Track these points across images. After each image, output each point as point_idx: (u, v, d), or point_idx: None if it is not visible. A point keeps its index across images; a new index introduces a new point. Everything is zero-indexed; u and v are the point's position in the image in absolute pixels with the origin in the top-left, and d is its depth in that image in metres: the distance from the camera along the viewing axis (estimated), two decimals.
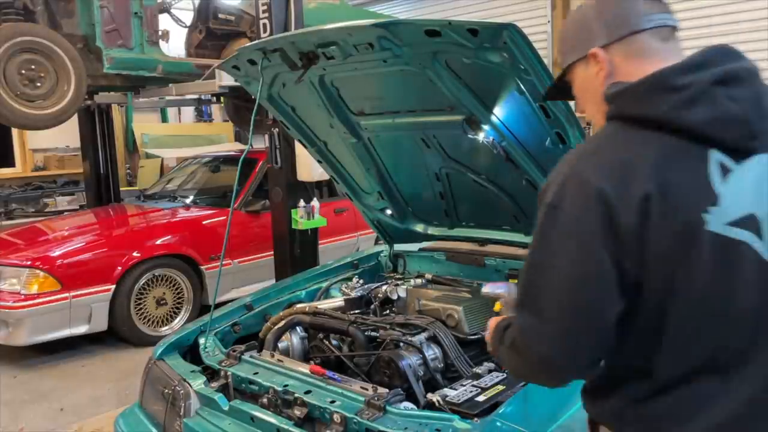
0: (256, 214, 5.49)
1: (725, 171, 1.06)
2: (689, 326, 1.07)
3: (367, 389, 1.89)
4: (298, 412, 1.88)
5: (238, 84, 2.73)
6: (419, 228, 3.03)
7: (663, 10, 1.16)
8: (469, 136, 2.32)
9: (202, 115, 11.70)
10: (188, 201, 5.92)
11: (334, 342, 2.39)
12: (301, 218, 4.75)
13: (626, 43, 1.14)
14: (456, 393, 1.80)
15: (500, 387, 1.83)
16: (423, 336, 2.15)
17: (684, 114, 1.04)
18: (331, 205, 5.66)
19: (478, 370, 2.02)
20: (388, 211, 3.02)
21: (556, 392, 1.76)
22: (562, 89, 1.32)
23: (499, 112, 2.17)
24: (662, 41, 1.14)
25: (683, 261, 1.04)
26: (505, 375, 1.95)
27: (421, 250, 3.08)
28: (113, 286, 4.74)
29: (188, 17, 6.60)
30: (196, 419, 2.11)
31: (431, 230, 3.01)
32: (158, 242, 5.07)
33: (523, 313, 1.13)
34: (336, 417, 1.79)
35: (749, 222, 1.06)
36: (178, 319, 5.12)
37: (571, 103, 1.82)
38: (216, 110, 11.52)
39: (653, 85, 1.07)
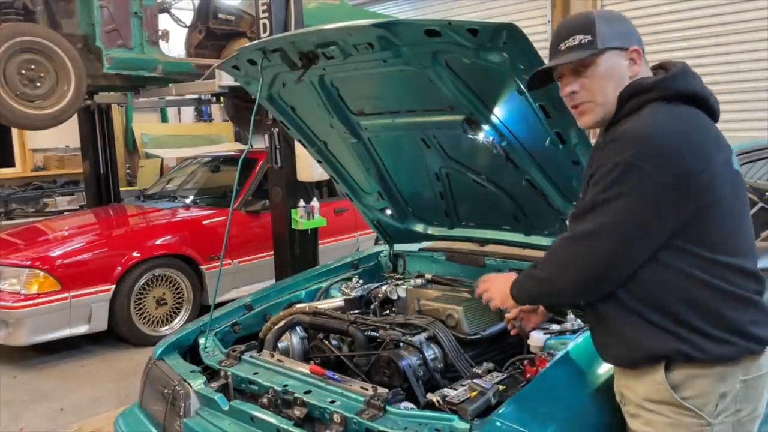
0: (256, 214, 5.49)
1: None
2: None
3: (367, 389, 1.88)
4: (298, 412, 1.88)
5: (238, 84, 2.73)
6: (419, 228, 3.03)
7: None
8: (469, 136, 2.32)
9: (202, 115, 11.70)
10: (188, 201, 5.92)
11: (334, 342, 2.38)
12: (301, 218, 4.75)
13: (641, 54, 1.54)
14: (456, 393, 1.79)
15: (500, 387, 1.83)
16: (423, 336, 2.15)
17: (706, 91, 1.51)
18: (331, 205, 5.66)
19: (477, 370, 2.02)
20: (388, 211, 3.01)
21: (555, 392, 1.77)
22: (544, 77, 1.63)
23: (499, 112, 2.17)
24: None
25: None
26: (504, 375, 1.95)
27: (421, 250, 3.08)
28: (113, 286, 4.74)
29: (188, 17, 6.60)
30: (196, 419, 2.11)
31: (431, 230, 3.01)
32: (158, 242, 5.07)
33: None
34: (336, 417, 1.79)
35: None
36: (178, 319, 5.13)
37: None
38: (216, 110, 11.53)
39: (687, 71, 1.52)
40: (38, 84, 4.74)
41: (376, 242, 5.17)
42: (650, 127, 1.42)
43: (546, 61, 1.65)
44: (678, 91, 1.48)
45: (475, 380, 1.85)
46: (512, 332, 2.15)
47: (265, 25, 4.46)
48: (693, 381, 1.45)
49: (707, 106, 1.51)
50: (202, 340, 2.45)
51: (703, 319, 1.44)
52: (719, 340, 1.43)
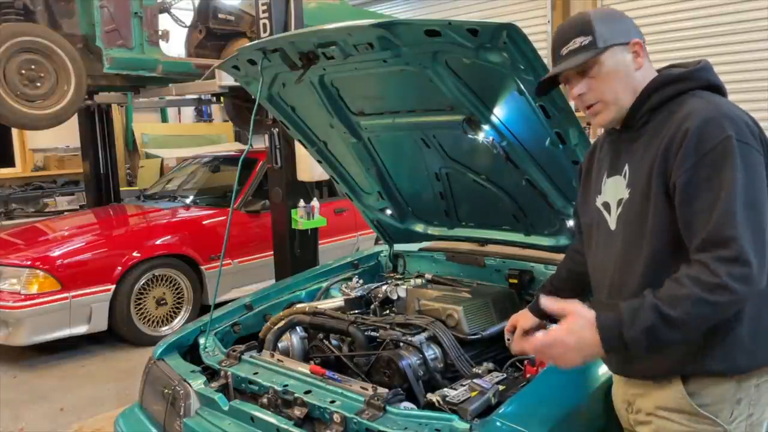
0: (256, 214, 5.49)
1: None
2: None
3: (367, 389, 1.89)
4: (298, 412, 1.88)
5: (238, 84, 2.73)
6: (419, 228, 3.03)
7: None
8: (469, 136, 2.32)
9: (202, 115, 11.70)
10: (188, 201, 5.92)
11: (334, 342, 2.38)
12: (301, 218, 4.75)
13: (643, 46, 1.51)
14: (456, 393, 1.80)
15: (500, 387, 1.83)
16: (423, 336, 2.15)
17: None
18: (331, 205, 5.66)
19: (477, 370, 2.02)
20: (388, 211, 3.02)
21: (555, 392, 1.77)
22: (550, 82, 1.59)
23: (499, 112, 2.17)
24: None
25: None
26: (504, 375, 1.95)
27: (421, 250, 3.08)
28: (113, 286, 4.74)
29: (188, 17, 6.60)
30: (196, 419, 2.11)
31: (431, 230, 3.01)
32: (158, 242, 5.07)
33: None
34: (336, 417, 1.79)
35: None
36: (178, 319, 5.13)
37: (572, 103, 1.83)
38: (216, 110, 11.52)
39: (711, 65, 1.52)
40: (38, 84, 4.75)
41: (376, 242, 5.17)
42: (720, 106, 1.40)
43: (546, 61, 1.65)
44: (709, 82, 1.49)
45: (475, 380, 1.86)
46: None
47: (265, 25, 4.46)
48: (711, 389, 1.42)
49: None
50: (202, 340, 2.45)
51: (746, 329, 1.39)
52: (749, 352, 1.40)
